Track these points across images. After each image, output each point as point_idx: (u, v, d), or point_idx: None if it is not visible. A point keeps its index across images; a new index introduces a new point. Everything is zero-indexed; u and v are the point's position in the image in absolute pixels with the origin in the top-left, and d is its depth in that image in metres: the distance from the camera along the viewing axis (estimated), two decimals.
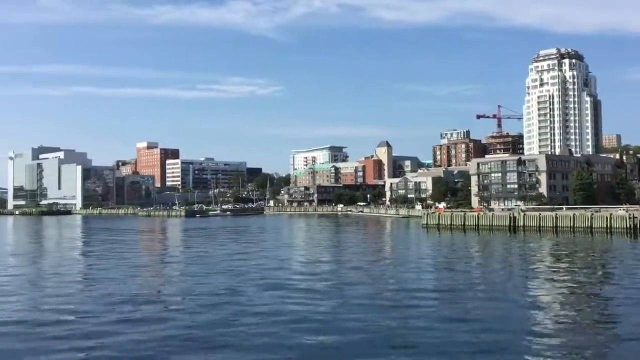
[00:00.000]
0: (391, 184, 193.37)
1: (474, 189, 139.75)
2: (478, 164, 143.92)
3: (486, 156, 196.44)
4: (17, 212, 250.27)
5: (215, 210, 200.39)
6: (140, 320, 27.68)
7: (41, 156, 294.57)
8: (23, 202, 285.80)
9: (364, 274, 43.07)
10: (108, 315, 28.73)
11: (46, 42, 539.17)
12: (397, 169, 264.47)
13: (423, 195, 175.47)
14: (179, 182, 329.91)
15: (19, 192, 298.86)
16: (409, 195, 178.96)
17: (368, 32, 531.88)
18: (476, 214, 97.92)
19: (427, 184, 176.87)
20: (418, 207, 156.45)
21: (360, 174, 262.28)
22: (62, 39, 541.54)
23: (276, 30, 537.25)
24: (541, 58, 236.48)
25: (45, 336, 24.53)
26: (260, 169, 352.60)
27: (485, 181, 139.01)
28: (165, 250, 68.95)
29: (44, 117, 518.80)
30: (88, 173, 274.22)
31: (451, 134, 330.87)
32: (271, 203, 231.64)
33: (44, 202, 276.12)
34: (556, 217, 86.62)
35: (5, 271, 47.96)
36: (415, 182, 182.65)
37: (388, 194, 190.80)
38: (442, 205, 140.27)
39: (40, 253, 67.72)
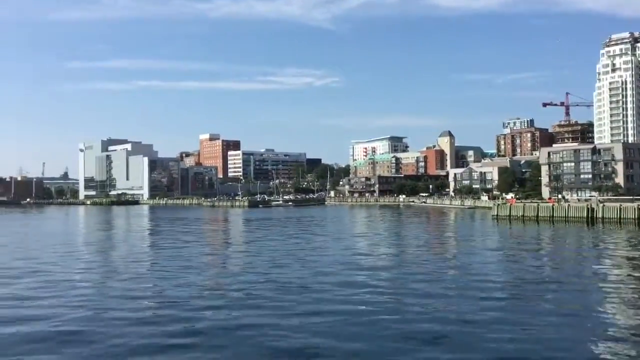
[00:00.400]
0: (455, 174, 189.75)
1: (545, 179, 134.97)
2: (549, 153, 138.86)
3: (554, 145, 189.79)
4: (88, 202, 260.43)
5: (278, 201, 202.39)
6: (225, 306, 27.92)
7: (110, 148, 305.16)
8: (93, 193, 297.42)
9: (447, 265, 42.26)
10: (194, 301, 29.16)
11: (111, 38, 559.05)
12: (459, 159, 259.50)
13: (488, 186, 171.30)
14: (241, 173, 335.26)
15: (89, 182, 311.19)
16: (474, 186, 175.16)
17: (426, 20, 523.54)
18: (550, 205, 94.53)
19: (493, 174, 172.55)
20: (484, 197, 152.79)
21: (422, 164, 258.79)
22: (125, 34, 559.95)
23: (332, 20, 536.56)
24: (613, 42, 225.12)
25: (136, 322, 25.05)
26: (319, 160, 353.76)
27: (557, 171, 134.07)
28: (237, 240, 69.60)
29: (111, 111, 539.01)
30: (154, 164, 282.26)
31: (514, 123, 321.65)
32: (332, 193, 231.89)
33: (112, 192, 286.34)
34: (638, 209, 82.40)
35: (92, 258, 49.64)
36: (481, 172, 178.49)
37: (452, 184, 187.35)
38: (510, 196, 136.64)
39: (117, 242, 69.82)
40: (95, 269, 42.61)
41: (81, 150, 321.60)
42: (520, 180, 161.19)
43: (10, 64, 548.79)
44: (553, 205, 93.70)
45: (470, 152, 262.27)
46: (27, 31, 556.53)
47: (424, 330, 23.29)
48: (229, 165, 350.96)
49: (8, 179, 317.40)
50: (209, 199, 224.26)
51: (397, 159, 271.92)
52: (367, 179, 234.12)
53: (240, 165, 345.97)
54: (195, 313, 26.75)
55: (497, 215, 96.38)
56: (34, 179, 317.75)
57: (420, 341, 21.87)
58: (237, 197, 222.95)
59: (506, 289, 32.50)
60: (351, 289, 32.38)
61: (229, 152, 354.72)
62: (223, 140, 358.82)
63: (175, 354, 20.53)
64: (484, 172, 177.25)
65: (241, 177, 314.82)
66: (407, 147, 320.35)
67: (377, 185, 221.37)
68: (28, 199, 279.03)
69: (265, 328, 23.73)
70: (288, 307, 27.56)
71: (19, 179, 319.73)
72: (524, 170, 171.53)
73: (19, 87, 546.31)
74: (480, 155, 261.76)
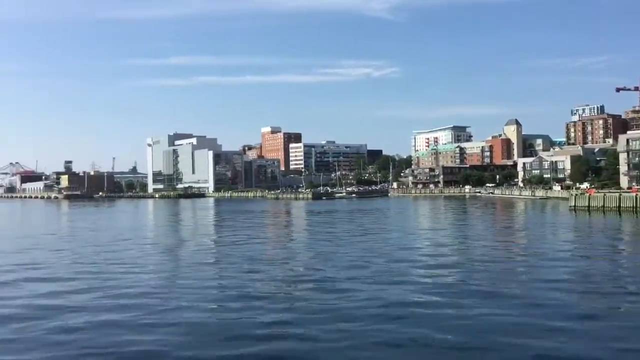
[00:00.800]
0: (524, 163, 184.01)
1: (623, 167, 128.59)
2: (627, 140, 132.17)
3: (629, 132, 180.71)
4: (156, 196, 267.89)
5: (341, 193, 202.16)
6: (310, 297, 27.38)
7: (176, 142, 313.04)
8: (161, 186, 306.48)
9: (538, 260, 40.58)
10: (278, 293, 28.99)
11: (173, 35, 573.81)
12: (526, 148, 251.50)
13: (560, 176, 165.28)
14: (302, 165, 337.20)
15: (157, 176, 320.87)
16: (544, 176, 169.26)
17: (486, 5, 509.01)
18: (633, 195, 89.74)
19: (565, 163, 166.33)
20: (556, 187, 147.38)
21: (487, 154, 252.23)
22: (187, 31, 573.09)
23: (390, 10, 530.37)
24: None
25: (226, 312, 25.01)
26: (380, 151, 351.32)
27: (636, 159, 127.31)
28: (310, 232, 68.65)
29: (176, 106, 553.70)
30: (218, 158, 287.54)
31: (583, 110, 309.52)
32: (394, 185, 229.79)
33: (179, 185, 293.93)
34: None
35: (170, 250, 50.58)
36: (551, 162, 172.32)
37: (520, 174, 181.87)
38: (584, 185, 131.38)
39: (193, 235, 70.92)
40: (175, 261, 43.31)
41: (149, 145, 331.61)
42: (594, 169, 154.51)
43: (78, 61, 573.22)
44: (637, 195, 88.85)
45: (539, 141, 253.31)
46: (93, 29, 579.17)
47: (513, 323, 22.37)
48: (291, 158, 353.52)
49: (82, 174, 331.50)
50: (272, 192, 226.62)
51: (462, 149, 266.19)
52: (431, 169, 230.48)
53: (302, 157, 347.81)
54: (282, 304, 26.59)
55: (574, 206, 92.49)
56: (105, 174, 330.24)
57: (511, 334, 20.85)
58: (300, 189, 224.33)
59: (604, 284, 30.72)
60: (435, 280, 31.74)
61: (291, 145, 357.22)
62: (284, 133, 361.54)
63: (269, 345, 20.34)
64: (555, 161, 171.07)
65: (303, 169, 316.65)
66: (470, 136, 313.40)
67: (441, 176, 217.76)
68: (100, 193, 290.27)
69: (362, 320, 23.21)
70: (377, 298, 26.98)
71: (92, 173, 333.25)
72: (598, 158, 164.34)
73: (88, 84, 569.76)
74: (549, 143, 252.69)
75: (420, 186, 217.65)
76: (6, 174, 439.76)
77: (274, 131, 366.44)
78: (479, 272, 34.54)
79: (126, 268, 38.83)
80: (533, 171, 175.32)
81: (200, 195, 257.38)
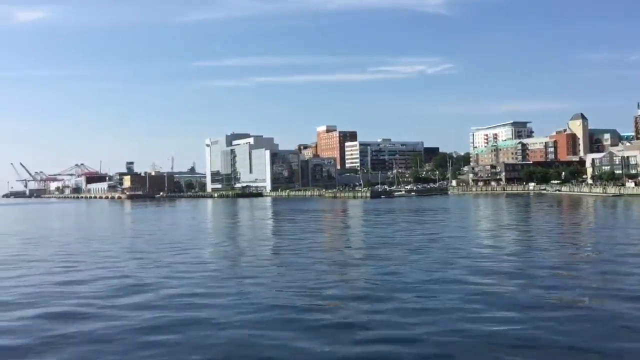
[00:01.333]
0: (593, 159, 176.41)
1: None
2: None
3: None
4: (215, 195, 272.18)
5: (400, 191, 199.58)
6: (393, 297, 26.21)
7: (234, 142, 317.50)
8: (219, 186, 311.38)
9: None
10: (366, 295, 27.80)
11: (226, 37, 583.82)
12: (593, 143, 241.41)
13: (632, 171, 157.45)
14: (358, 164, 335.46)
15: (215, 176, 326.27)
16: (615, 172, 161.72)
17: None
18: None
19: (637, 159, 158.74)
20: (629, 184, 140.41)
21: (551, 149, 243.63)
22: (243, 32, 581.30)
23: (444, 5, 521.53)
24: None
25: (303, 323, 23.90)
26: (437, 148, 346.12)
27: None
28: (385, 233, 66.74)
29: (234, 106, 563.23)
30: (275, 157, 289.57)
31: None
32: (454, 183, 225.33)
33: (237, 185, 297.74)
34: None
35: (240, 251, 50.31)
36: (622, 157, 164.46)
37: (589, 170, 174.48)
38: None
39: (264, 234, 70.65)
40: (246, 262, 42.65)
41: (207, 146, 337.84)
42: None
43: (136, 65, 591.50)
44: None
45: (607, 136, 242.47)
46: (149, 34, 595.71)
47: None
48: (346, 156, 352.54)
49: (143, 174, 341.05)
50: (330, 190, 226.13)
51: (523, 145, 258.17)
52: (492, 166, 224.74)
53: (357, 155, 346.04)
54: (371, 305, 25.36)
55: None
56: (165, 174, 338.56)
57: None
58: (357, 188, 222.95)
59: None
60: (533, 282, 29.70)
61: (346, 143, 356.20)
62: (340, 132, 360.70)
63: (374, 347, 19.17)
64: (627, 157, 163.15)
65: (359, 168, 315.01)
66: (531, 132, 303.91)
67: (503, 173, 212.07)
68: (161, 193, 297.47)
69: (467, 323, 21.71)
70: (478, 301, 25.34)
71: (153, 173, 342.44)
72: None
73: (148, 87, 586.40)
74: (618, 138, 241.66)
75: (480, 184, 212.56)
76: (72, 175, 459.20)
77: (329, 130, 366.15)
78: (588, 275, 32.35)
79: (203, 267, 38.55)
80: (603, 167, 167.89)
81: (258, 194, 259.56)
